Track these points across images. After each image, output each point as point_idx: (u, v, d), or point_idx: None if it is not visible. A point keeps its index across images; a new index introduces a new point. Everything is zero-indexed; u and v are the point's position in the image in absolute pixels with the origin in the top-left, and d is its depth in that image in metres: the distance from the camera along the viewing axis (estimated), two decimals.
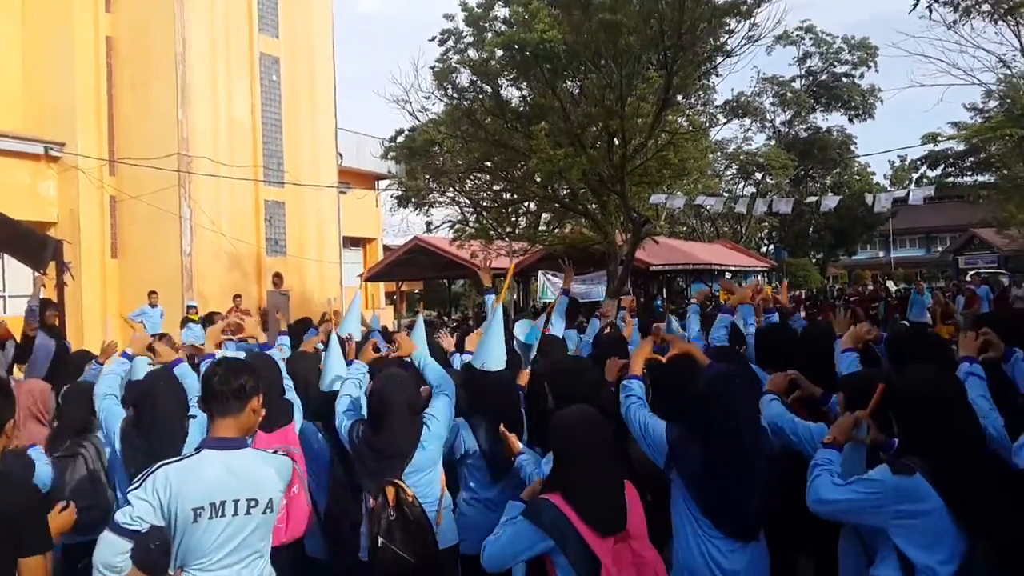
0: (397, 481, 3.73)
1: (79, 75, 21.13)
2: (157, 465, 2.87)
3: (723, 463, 3.34)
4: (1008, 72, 21.70)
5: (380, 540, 3.59)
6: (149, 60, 21.58)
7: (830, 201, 16.76)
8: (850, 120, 47.47)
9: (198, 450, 2.97)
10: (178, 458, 2.94)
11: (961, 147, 25.36)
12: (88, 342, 20.02)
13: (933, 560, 2.76)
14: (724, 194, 32.72)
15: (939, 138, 20.75)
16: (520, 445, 4.01)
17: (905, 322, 20.78)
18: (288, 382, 4.69)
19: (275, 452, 3.16)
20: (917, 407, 3.01)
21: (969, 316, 18.11)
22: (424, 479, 4.00)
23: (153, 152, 20.43)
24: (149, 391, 4.18)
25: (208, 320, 8.60)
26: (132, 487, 2.84)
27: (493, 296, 5.90)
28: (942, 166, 27.41)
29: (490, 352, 4.51)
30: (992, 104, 28.54)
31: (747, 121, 46.57)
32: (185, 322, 16.41)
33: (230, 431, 3.00)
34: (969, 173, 27.95)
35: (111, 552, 2.74)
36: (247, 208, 23.31)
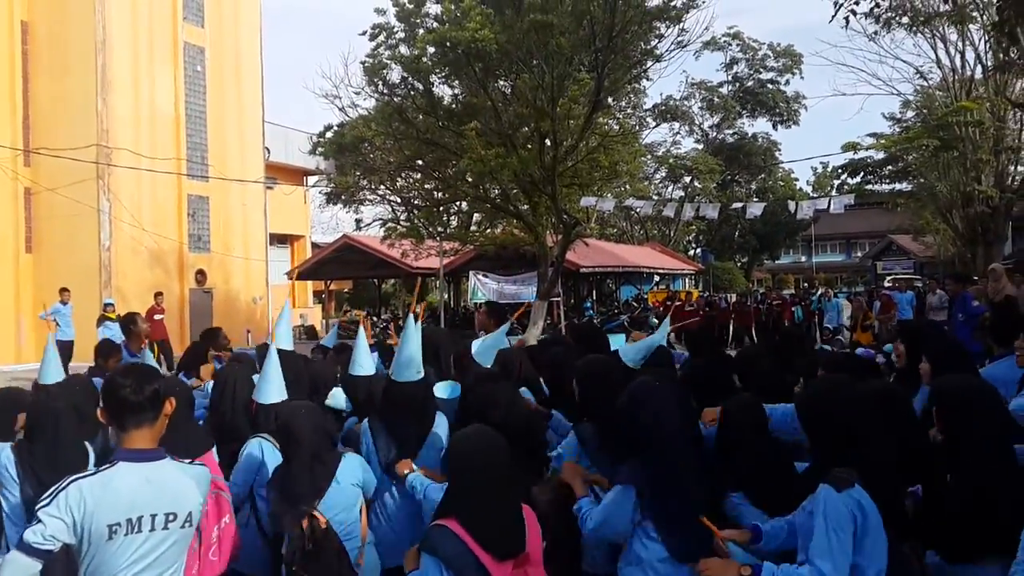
0: (310, 511, 3.60)
1: None
2: (68, 480, 2.65)
3: (654, 476, 3.29)
4: (925, 83, 22.52)
5: (294, 567, 3.47)
6: (68, 46, 20.84)
7: (755, 208, 17.07)
8: (774, 126, 48.76)
9: (112, 462, 2.76)
10: (90, 472, 2.74)
11: (880, 156, 26.24)
12: (1, 339, 19.30)
13: (878, 565, 2.79)
14: (654, 197, 33.16)
15: (858, 147, 21.43)
16: (409, 467, 3.95)
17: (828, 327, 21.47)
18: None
19: (192, 463, 3.02)
20: (833, 417, 3.08)
21: (884, 321, 18.75)
22: (337, 516, 3.80)
23: (71, 142, 19.73)
24: (48, 411, 3.91)
25: (129, 320, 8.23)
26: (42, 504, 2.63)
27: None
28: (862, 174, 28.34)
29: (400, 366, 4.40)
30: (909, 114, 29.60)
31: (676, 125, 47.40)
32: (102, 320, 15.90)
33: (145, 442, 2.80)
34: (887, 181, 28.97)
35: (19, 574, 2.55)
36: (169, 202, 22.70)
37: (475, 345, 5.50)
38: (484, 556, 2.85)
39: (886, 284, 31.89)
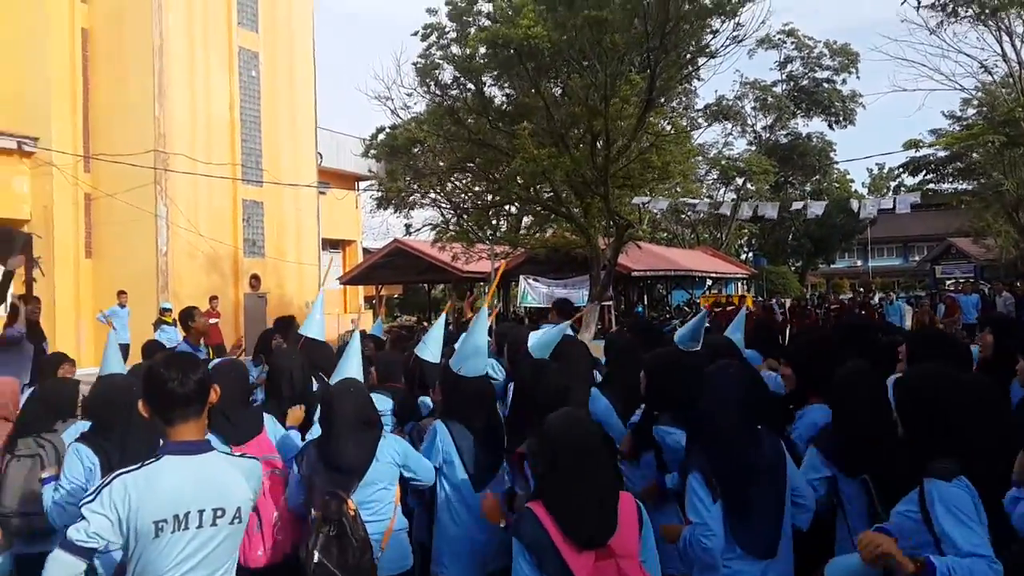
0: (343, 495, 3.48)
1: (54, 67, 20.66)
2: (114, 475, 2.56)
3: (721, 467, 3.20)
4: (990, 78, 21.76)
5: (316, 555, 3.34)
6: (126, 53, 21.18)
7: (816, 207, 16.61)
8: (830, 126, 47.58)
9: (158, 456, 2.64)
10: (136, 466, 2.61)
11: (942, 154, 25.46)
12: (61, 343, 19.54)
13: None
14: (707, 199, 32.62)
15: (920, 144, 20.81)
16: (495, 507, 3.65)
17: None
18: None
19: (242, 456, 2.90)
20: (928, 403, 2.89)
21: (949, 325, 18.17)
22: (375, 494, 3.75)
23: (129, 148, 20.02)
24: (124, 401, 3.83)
25: (187, 315, 8.12)
26: (86, 499, 2.54)
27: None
28: (923, 173, 27.45)
29: (468, 357, 4.28)
30: (970, 112, 28.69)
31: (728, 125, 46.61)
32: (159, 324, 16.10)
33: (192, 434, 2.68)
34: (950, 180, 28.08)
35: (63, 572, 2.47)
36: (225, 207, 22.95)
37: (531, 339, 5.37)
38: (562, 543, 2.72)
39: (947, 286, 31.00)
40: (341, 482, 3.58)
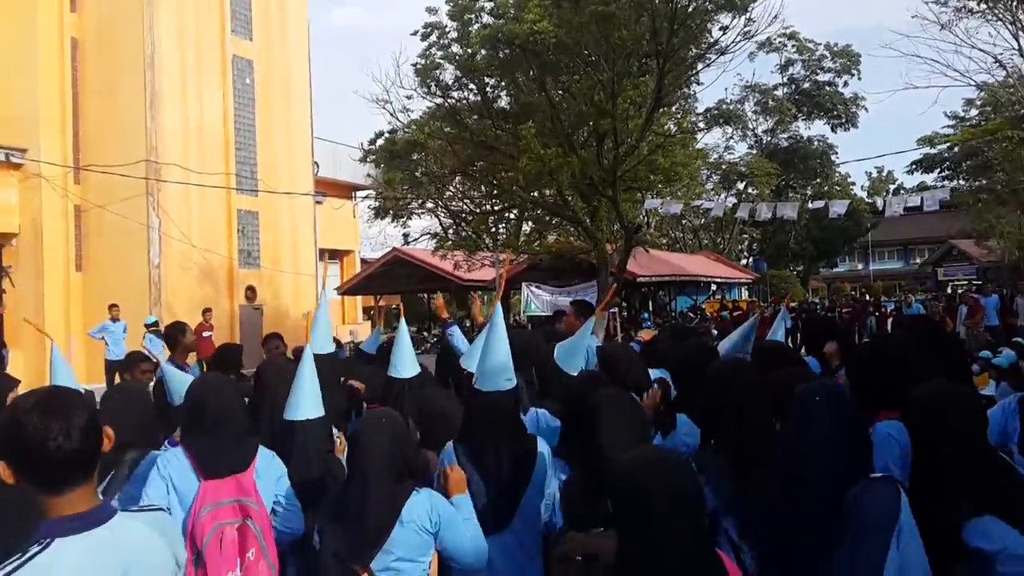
0: (357, 569, 2.76)
1: (42, 78, 20.10)
2: None
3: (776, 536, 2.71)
4: (1003, 74, 21.18)
5: None
6: (116, 62, 20.64)
7: (839, 207, 15.96)
8: (833, 129, 47.05)
9: (44, 542, 1.78)
10: (14, 560, 1.74)
11: (954, 151, 24.90)
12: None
13: None
14: (713, 200, 32.07)
15: (936, 140, 20.19)
16: None
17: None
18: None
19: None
20: None
21: (972, 327, 17.55)
22: (393, 564, 2.88)
23: (120, 159, 19.46)
24: None
25: (177, 329, 7.20)
26: None
27: (454, 327, 5.75)
28: (938, 170, 26.78)
29: (490, 375, 3.47)
30: (973, 112, 28.11)
31: (728, 129, 46.01)
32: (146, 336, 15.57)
33: (83, 502, 1.86)
34: (965, 178, 27.36)
35: None
36: (219, 218, 22.35)
37: (556, 351, 4.67)
38: None
39: (961, 287, 30.45)
40: (359, 544, 2.83)
